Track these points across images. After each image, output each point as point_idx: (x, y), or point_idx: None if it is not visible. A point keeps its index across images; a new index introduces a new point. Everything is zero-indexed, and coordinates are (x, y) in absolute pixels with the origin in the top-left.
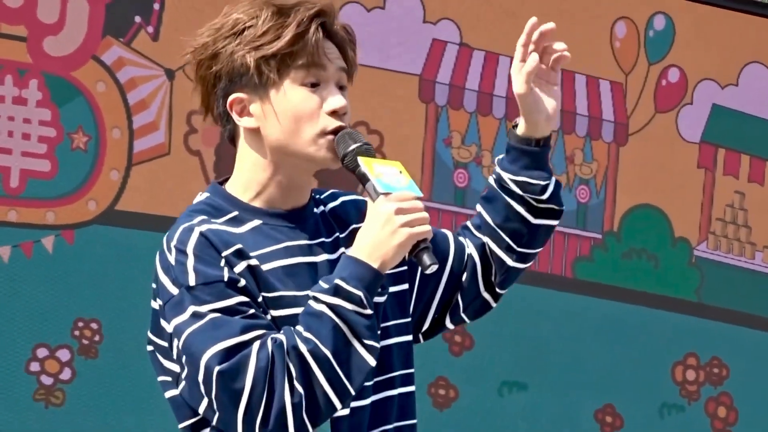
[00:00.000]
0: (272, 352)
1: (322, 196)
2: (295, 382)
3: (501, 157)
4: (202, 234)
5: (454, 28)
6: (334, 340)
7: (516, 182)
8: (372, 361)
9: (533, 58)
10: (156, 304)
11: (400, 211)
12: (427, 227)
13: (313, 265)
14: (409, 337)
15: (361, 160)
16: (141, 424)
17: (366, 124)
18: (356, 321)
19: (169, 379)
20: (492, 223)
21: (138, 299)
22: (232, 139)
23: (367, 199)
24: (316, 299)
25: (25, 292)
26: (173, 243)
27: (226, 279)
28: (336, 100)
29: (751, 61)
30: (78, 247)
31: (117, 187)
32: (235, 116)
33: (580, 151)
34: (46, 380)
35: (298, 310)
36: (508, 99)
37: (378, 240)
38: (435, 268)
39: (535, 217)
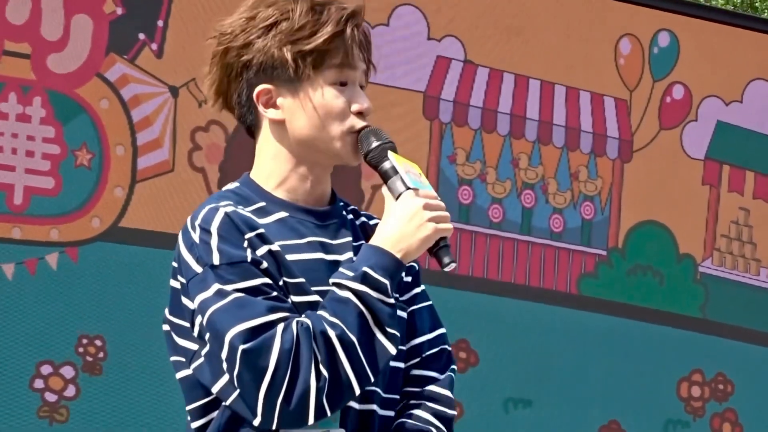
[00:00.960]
0: (297, 334)
1: (360, 212)
2: (321, 366)
3: None
4: (227, 214)
5: (458, 45)
6: (360, 327)
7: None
8: (393, 350)
9: None
10: (176, 283)
11: (428, 207)
12: (450, 225)
13: (335, 263)
14: (400, 364)
15: (391, 155)
16: None
17: None
18: (381, 309)
19: (182, 359)
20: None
21: (142, 316)
22: (249, 128)
23: (387, 194)
24: (340, 285)
25: (30, 309)
26: (198, 222)
27: (249, 260)
28: (363, 101)
29: (755, 77)
30: (82, 264)
31: (121, 204)
32: (261, 107)
33: (584, 168)
34: (50, 397)
35: (316, 298)
36: (513, 116)
37: (404, 232)
38: (453, 266)
39: None
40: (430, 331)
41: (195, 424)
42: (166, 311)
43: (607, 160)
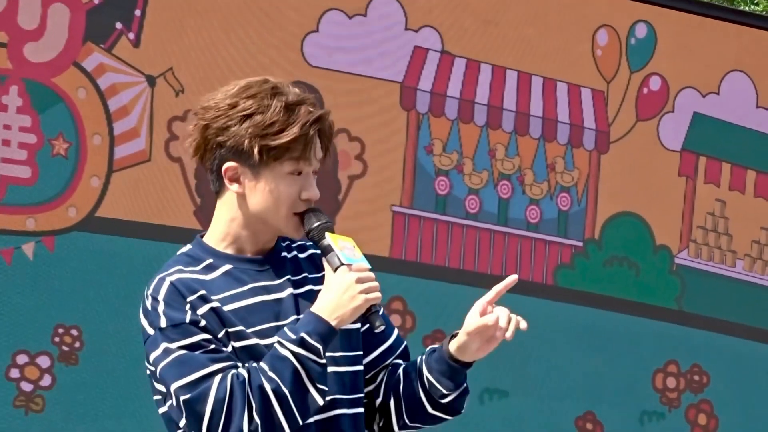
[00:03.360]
0: (232, 385)
1: (294, 244)
2: (254, 414)
3: (431, 349)
4: (171, 283)
5: (436, 36)
6: (293, 382)
7: (428, 378)
8: (321, 401)
9: (491, 318)
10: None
11: (359, 281)
12: (379, 294)
13: (279, 300)
14: (359, 368)
15: (328, 235)
16: (120, 430)
17: (347, 131)
18: (313, 368)
19: (159, 397)
20: (400, 390)
21: (119, 305)
22: (216, 191)
23: (326, 265)
24: (281, 344)
25: (5, 298)
26: (149, 292)
27: (188, 321)
28: (312, 192)
29: (732, 69)
30: (58, 254)
31: (97, 193)
32: (226, 181)
33: (561, 159)
34: (26, 387)
35: (259, 341)
36: (490, 107)
37: (338, 303)
38: (383, 328)
39: (432, 408)
40: (389, 336)
41: None
42: (149, 356)
43: (584, 151)
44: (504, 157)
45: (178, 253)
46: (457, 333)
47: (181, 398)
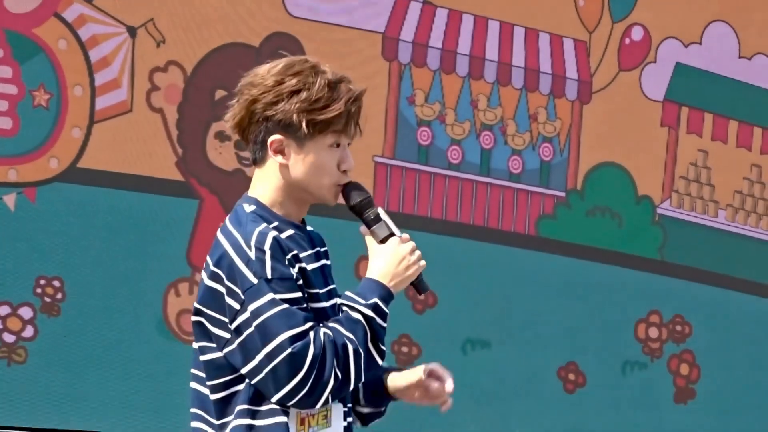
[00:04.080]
0: (325, 342)
1: None
2: (337, 371)
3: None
4: (274, 238)
5: None
6: (365, 343)
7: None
8: (381, 362)
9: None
10: (219, 286)
11: (412, 251)
12: (425, 263)
13: (320, 268)
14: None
15: (380, 209)
16: (103, 381)
17: None
18: (381, 332)
19: (213, 345)
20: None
21: (100, 257)
22: (256, 161)
23: (368, 237)
24: (353, 308)
25: None
26: (252, 242)
27: (294, 277)
28: (350, 163)
29: (714, 19)
30: (40, 205)
31: (79, 144)
32: (271, 152)
33: (543, 110)
34: (8, 338)
35: (322, 304)
36: (472, 57)
37: (395, 272)
38: (427, 291)
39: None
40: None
41: (216, 396)
42: (201, 307)
43: (566, 101)
44: (486, 107)
45: (246, 210)
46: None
47: (288, 350)
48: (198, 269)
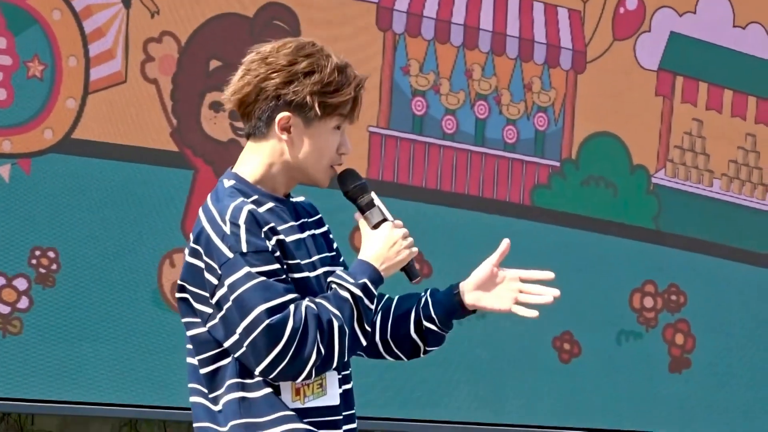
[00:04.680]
0: (306, 316)
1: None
2: (321, 345)
3: (429, 295)
4: (249, 211)
5: None
6: (351, 322)
7: (426, 301)
8: (364, 342)
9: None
10: (198, 262)
11: (404, 236)
12: (417, 249)
13: (304, 239)
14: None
15: (373, 194)
16: (97, 352)
17: None
18: (368, 313)
19: (197, 320)
20: (392, 307)
21: (95, 228)
22: (253, 135)
23: (362, 221)
24: (342, 287)
25: None
26: (227, 217)
27: (270, 249)
28: (348, 146)
29: None
30: (34, 176)
31: (73, 115)
32: (277, 129)
33: (538, 79)
34: (4, 309)
35: (305, 274)
36: (466, 27)
37: (386, 256)
38: (420, 280)
39: (414, 331)
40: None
41: (204, 370)
42: (184, 283)
43: (561, 71)
44: (481, 77)
45: (225, 185)
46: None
47: (265, 322)
48: None
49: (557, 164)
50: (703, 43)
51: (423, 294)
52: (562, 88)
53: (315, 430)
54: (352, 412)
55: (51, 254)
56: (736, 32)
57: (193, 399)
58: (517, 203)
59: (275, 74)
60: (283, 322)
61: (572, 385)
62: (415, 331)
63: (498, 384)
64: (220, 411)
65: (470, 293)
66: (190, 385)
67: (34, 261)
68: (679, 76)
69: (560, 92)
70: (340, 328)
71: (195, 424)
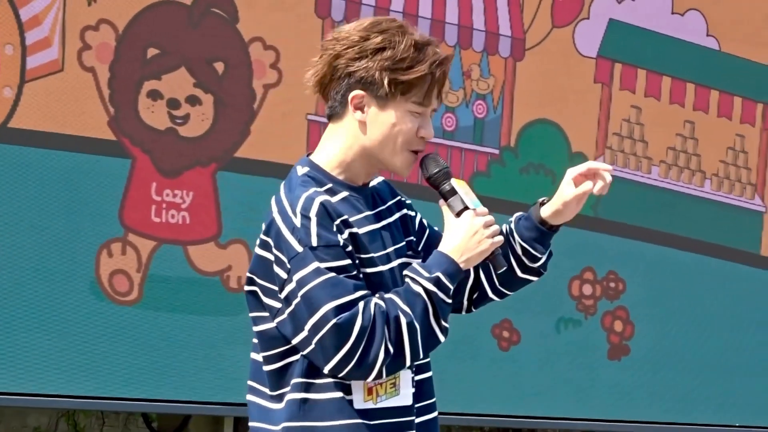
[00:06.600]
0: (374, 314)
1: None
2: (389, 344)
3: (519, 217)
4: (321, 203)
5: None
6: (424, 318)
7: (520, 245)
8: (443, 339)
9: (588, 186)
10: (268, 254)
11: (486, 225)
12: (502, 238)
13: (380, 229)
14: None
15: (454, 181)
16: (34, 342)
17: (262, 39)
18: (443, 307)
19: (266, 314)
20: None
21: (32, 218)
22: (331, 116)
23: (446, 210)
24: (414, 281)
25: None
26: (298, 209)
27: (341, 244)
28: (429, 130)
29: None
30: None
31: (10, 104)
32: (351, 108)
33: (476, 66)
34: None
35: (379, 268)
36: (405, 14)
37: (466, 246)
38: (505, 269)
39: (522, 272)
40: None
41: (270, 367)
42: (253, 276)
43: (500, 58)
44: None
45: (299, 173)
46: (543, 201)
47: (332, 321)
48: (130, 229)
49: (496, 152)
50: (641, 30)
51: (509, 231)
52: (501, 76)
53: None
54: (431, 401)
55: None
56: (674, 19)
57: (250, 397)
58: None
59: (346, 51)
60: (351, 321)
61: (512, 373)
62: (524, 272)
63: (437, 371)
64: (279, 410)
65: (551, 210)
66: (249, 383)
67: None
68: (617, 63)
69: (499, 80)
70: (409, 324)
71: (250, 424)
